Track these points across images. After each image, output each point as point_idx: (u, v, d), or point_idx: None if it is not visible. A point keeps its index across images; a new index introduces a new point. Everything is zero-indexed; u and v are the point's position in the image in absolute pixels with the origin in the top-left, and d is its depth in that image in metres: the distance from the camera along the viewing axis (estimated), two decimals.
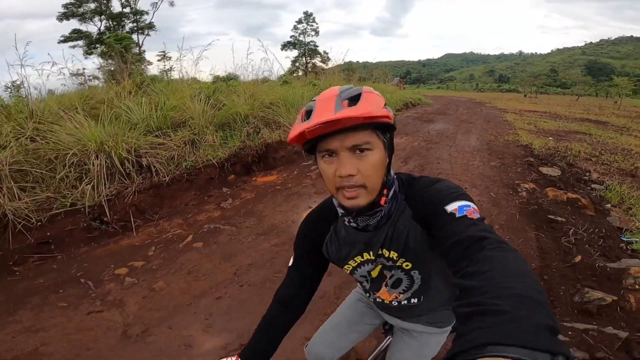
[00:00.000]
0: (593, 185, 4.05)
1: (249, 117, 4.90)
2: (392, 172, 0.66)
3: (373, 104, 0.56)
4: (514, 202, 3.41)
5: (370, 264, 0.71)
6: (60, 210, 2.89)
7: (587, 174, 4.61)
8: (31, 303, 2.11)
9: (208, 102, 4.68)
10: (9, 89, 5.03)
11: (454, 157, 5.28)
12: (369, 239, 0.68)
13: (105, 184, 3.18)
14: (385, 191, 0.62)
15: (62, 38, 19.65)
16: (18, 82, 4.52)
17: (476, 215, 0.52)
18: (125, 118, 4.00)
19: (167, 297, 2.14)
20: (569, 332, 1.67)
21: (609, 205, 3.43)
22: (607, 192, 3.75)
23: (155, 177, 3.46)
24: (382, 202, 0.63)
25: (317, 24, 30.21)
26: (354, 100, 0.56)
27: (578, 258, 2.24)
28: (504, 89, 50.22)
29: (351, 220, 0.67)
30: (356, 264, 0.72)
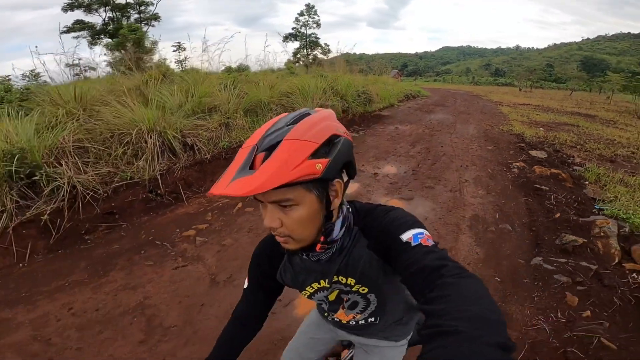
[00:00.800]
0: (575, 167, 4.63)
1: (270, 104, 5.38)
2: (344, 208, 0.63)
3: (280, 164, 0.48)
4: (507, 176, 4.05)
5: (326, 290, 0.73)
6: (121, 183, 3.25)
7: (571, 158, 5.19)
8: (118, 265, 2.31)
9: (233, 91, 5.13)
10: (27, 77, 5.36)
11: (455, 142, 5.87)
12: (324, 268, 0.69)
13: (158, 160, 3.64)
14: (322, 238, 0.61)
15: (64, 29, 19.40)
16: (37, 71, 4.85)
17: (430, 242, 0.53)
18: (160, 103, 4.40)
19: (239, 250, 2.47)
20: (554, 264, 2.23)
21: (587, 182, 4.02)
22: (586, 172, 4.34)
23: (198, 154, 3.94)
24: (318, 248, 0.62)
25: (318, 16, 30.13)
26: (270, 150, 0.50)
27: (557, 215, 2.83)
28: (500, 82, 50.60)
29: (303, 253, 0.66)
30: (313, 290, 0.74)
